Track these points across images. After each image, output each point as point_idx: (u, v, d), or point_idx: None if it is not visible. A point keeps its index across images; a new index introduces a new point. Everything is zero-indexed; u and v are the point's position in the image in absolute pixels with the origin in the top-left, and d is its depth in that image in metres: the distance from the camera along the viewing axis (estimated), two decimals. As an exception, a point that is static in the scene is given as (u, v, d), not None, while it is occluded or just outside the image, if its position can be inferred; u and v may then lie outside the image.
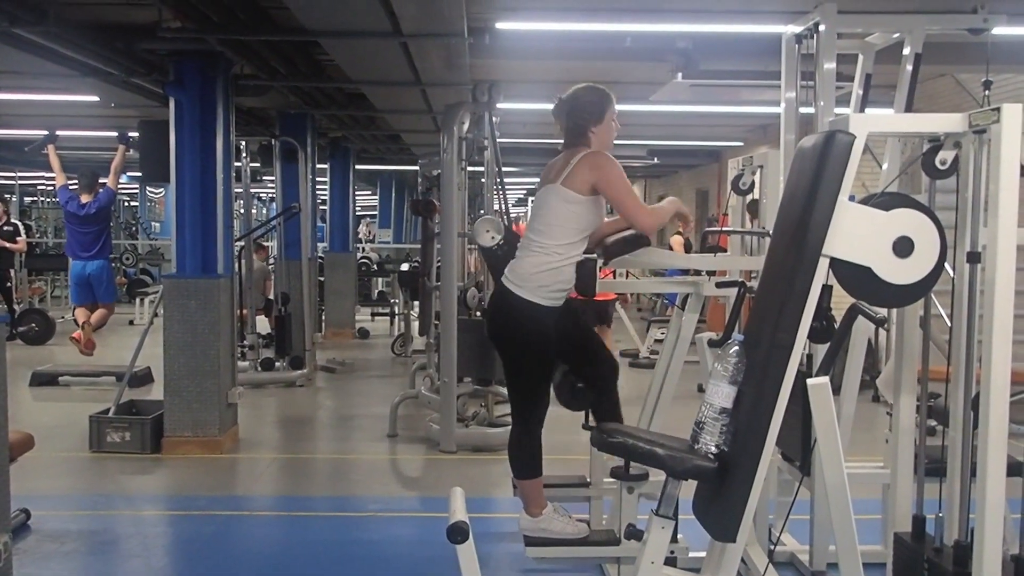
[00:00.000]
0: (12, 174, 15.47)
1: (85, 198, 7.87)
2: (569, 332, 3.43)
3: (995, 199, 2.36)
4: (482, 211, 7.70)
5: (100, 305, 8.02)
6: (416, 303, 9.13)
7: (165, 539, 4.57)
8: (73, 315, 8.15)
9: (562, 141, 3.44)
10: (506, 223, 7.37)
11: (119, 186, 8.91)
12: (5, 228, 11.05)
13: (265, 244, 10.07)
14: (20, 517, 4.31)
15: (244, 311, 8.13)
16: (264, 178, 12.20)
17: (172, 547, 4.45)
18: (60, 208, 9.21)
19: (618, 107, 3.43)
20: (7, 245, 10.90)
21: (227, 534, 4.48)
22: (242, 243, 8.21)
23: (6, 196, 14.51)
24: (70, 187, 8.05)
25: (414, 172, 13.08)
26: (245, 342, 8.22)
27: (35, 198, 19.45)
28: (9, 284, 11.13)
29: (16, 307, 11.22)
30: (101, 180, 8.07)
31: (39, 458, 4.93)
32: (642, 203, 3.36)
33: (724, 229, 4.32)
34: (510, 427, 3.51)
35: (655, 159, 14.24)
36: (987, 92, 3.75)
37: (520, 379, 3.39)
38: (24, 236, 11.83)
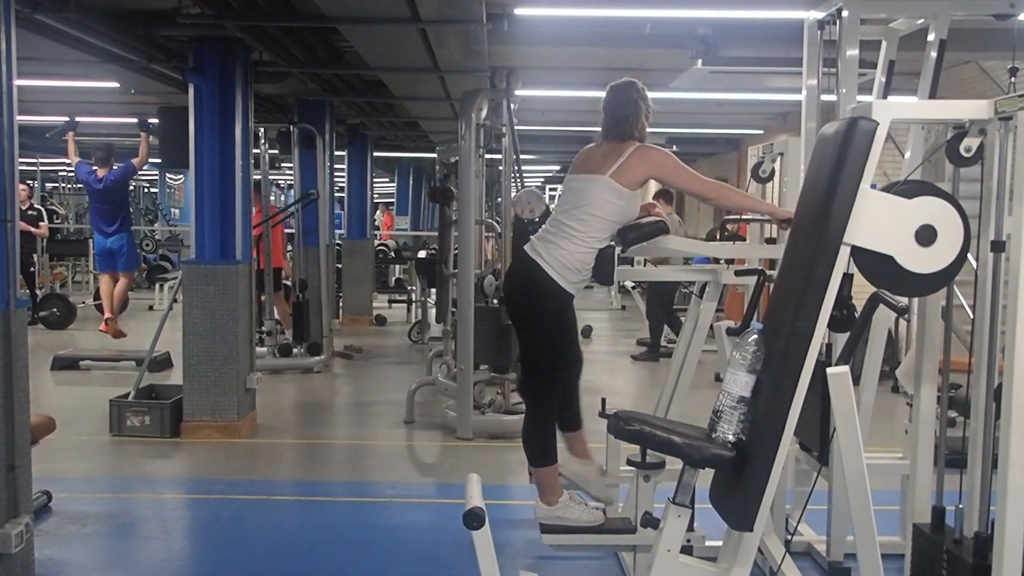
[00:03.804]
0: (34, 160, 15.59)
1: (101, 172, 8.05)
2: None
3: (1020, 187, 2.33)
4: (499, 200, 7.69)
5: (120, 275, 8.38)
6: (433, 290, 9.14)
7: (184, 522, 4.62)
8: (98, 288, 8.59)
9: (600, 129, 3.41)
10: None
11: (139, 174, 9.08)
12: (29, 213, 11.15)
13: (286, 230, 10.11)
14: (41, 499, 4.36)
15: (262, 297, 8.18)
16: (282, 165, 12.23)
17: (191, 530, 4.49)
18: (82, 194, 9.38)
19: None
20: (31, 230, 11.00)
21: (245, 518, 4.51)
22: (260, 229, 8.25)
23: (28, 182, 14.64)
24: (87, 162, 8.18)
25: (432, 159, 13.08)
26: (263, 328, 8.26)
27: (56, 184, 19.60)
28: (32, 269, 11.24)
29: (38, 292, 11.34)
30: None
31: (60, 441, 4.99)
32: (715, 181, 3.35)
33: (743, 218, 4.30)
34: (524, 414, 3.52)
35: (674, 147, 14.15)
36: (1013, 79, 3.69)
37: (535, 360, 3.40)
38: (47, 221, 11.95)
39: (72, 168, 8.73)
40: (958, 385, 3.15)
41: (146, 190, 22.22)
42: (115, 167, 8.10)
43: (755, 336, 2.40)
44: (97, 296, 11.93)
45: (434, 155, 11.06)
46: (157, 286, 13.28)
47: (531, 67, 7.44)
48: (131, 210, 9.31)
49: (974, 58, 6.89)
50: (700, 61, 6.05)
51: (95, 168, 8.05)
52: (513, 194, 6.61)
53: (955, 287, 2.85)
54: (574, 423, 3.59)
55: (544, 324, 3.34)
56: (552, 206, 3.97)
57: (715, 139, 14.04)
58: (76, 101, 9.15)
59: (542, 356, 3.38)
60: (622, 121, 3.33)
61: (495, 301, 6.21)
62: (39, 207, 11.99)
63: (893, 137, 3.55)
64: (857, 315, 2.47)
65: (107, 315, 8.29)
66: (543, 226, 3.43)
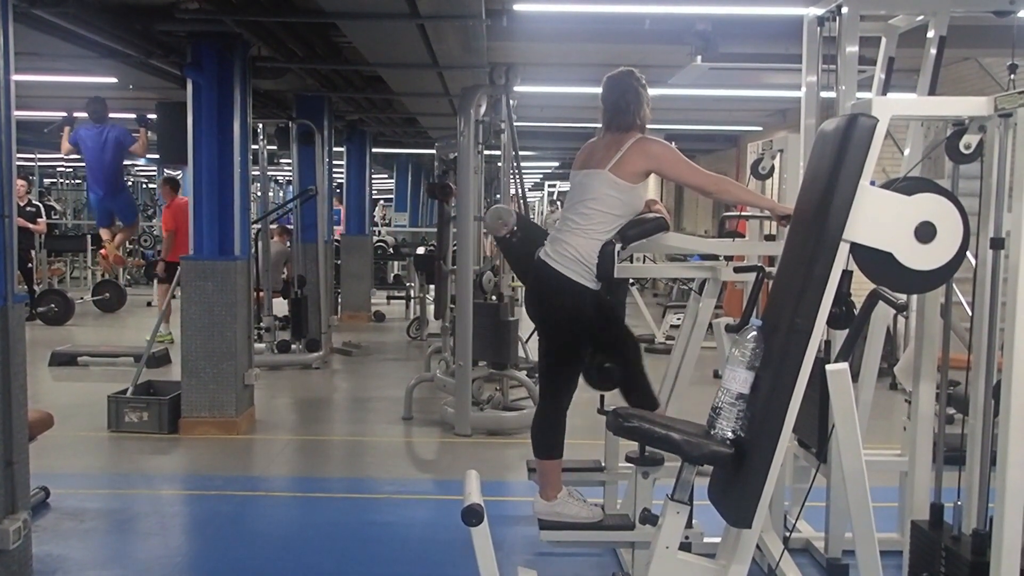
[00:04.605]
0: (31, 156, 15.58)
1: (97, 125, 8.05)
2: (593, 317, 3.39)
3: (1020, 184, 2.32)
4: (497, 196, 7.69)
5: (122, 228, 8.57)
6: (432, 287, 9.13)
7: (182, 518, 4.62)
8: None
9: (600, 124, 3.40)
10: (519, 209, 7.37)
11: (136, 170, 9.20)
12: (27, 209, 11.12)
13: (290, 227, 10.11)
14: (39, 495, 4.35)
15: (261, 293, 8.17)
16: (281, 161, 12.21)
17: (189, 526, 4.49)
18: (80, 190, 9.42)
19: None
20: (29, 226, 10.98)
21: (243, 514, 4.51)
22: (259, 225, 8.25)
23: (29, 176, 14.61)
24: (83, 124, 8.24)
25: (431, 155, 13.06)
26: (261, 324, 8.26)
27: (54, 180, 19.58)
28: (30, 265, 11.23)
29: (36, 288, 11.32)
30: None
31: (58, 437, 4.98)
32: (715, 174, 3.32)
33: (743, 214, 4.30)
34: (536, 406, 3.54)
35: (672, 144, 14.09)
36: (1012, 76, 3.70)
37: (555, 357, 3.40)
38: (44, 217, 11.93)
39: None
40: (957, 382, 3.15)
41: (144, 186, 22.19)
42: (114, 125, 8.16)
43: (754, 333, 2.39)
44: (95, 292, 11.95)
45: (433, 151, 11.04)
46: (155, 282, 13.25)
47: (530, 63, 7.44)
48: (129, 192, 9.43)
49: (973, 55, 6.89)
50: (699, 57, 6.04)
51: (91, 124, 8.10)
52: (512, 191, 6.63)
53: (954, 284, 2.84)
54: (649, 406, 3.45)
55: (562, 321, 3.33)
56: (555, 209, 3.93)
57: (714, 136, 14.03)
58: (74, 96, 9.12)
59: (560, 353, 3.37)
60: (624, 111, 3.32)
61: (493, 297, 6.21)
62: (37, 203, 11.96)
63: (892, 134, 3.55)
64: (856, 312, 2.47)
65: (104, 251, 8.52)
66: (554, 226, 3.44)
